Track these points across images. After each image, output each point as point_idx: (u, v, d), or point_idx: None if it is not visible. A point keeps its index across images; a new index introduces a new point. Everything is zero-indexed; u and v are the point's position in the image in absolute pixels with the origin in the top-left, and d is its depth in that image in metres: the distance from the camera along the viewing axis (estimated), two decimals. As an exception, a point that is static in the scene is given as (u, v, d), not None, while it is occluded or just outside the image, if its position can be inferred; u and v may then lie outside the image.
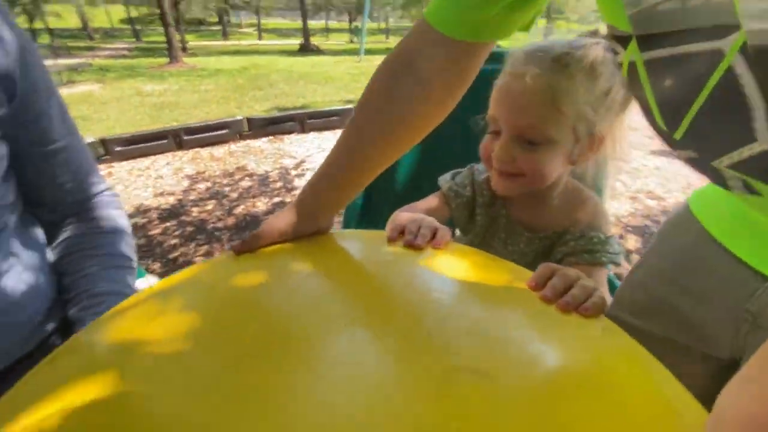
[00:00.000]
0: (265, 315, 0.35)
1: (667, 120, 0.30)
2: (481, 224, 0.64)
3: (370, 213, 0.97)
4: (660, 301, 0.43)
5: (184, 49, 11.80)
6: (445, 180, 0.67)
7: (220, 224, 2.34)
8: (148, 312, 0.36)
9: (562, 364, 0.30)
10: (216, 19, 33.64)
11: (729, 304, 0.37)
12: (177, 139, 3.48)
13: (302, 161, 3.38)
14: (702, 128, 0.28)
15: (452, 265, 0.41)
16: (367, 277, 0.41)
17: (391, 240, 0.45)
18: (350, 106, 4.72)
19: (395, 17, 30.08)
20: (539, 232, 0.60)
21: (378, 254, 0.44)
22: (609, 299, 0.49)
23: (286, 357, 0.30)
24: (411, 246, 0.44)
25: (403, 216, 0.50)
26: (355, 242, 0.48)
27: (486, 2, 0.37)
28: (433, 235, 0.45)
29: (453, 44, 0.39)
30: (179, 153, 3.47)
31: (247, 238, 0.44)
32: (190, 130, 3.56)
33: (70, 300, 0.58)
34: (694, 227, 0.41)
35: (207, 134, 3.64)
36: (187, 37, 17.82)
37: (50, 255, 0.60)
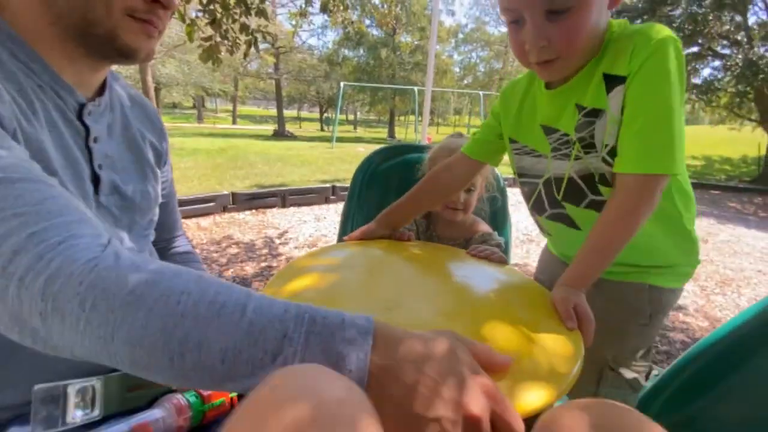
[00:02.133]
0: (374, 265, 0.70)
1: (528, 200, 0.77)
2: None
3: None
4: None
5: (161, 130, 12.32)
6: None
7: (211, 286, 2.50)
8: (322, 263, 0.68)
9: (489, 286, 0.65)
10: (191, 104, 35.47)
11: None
12: (165, 209, 3.69)
13: (285, 231, 3.66)
14: (534, 206, 0.75)
15: (425, 248, 0.82)
16: (402, 252, 0.79)
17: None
18: (327, 185, 5.19)
19: (362, 111, 33.17)
20: (454, 241, 1.00)
21: (391, 243, 0.84)
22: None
23: (380, 275, 0.62)
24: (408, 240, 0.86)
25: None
26: (383, 241, 0.85)
27: (488, 139, 0.82)
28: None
29: (472, 162, 0.83)
30: (166, 223, 3.66)
31: (352, 234, 0.83)
32: (179, 203, 3.79)
33: None
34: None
35: (194, 206, 3.88)
36: (162, 118, 18.60)
37: None
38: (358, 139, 17.65)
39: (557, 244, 0.86)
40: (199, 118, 27.14)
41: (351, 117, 41.43)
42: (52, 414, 0.46)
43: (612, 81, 0.57)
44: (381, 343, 0.34)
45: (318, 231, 3.73)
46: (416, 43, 21.04)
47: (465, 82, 28.80)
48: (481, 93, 14.24)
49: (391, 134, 21.81)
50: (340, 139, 14.82)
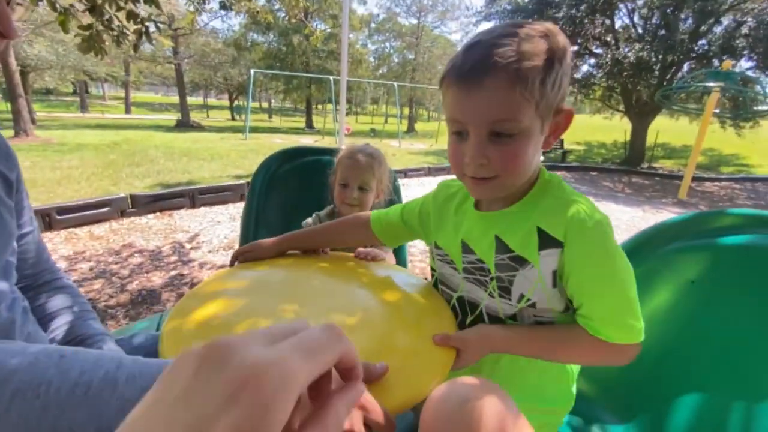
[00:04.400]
0: (271, 282, 0.72)
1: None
2: None
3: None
4: None
5: (32, 122, 10.48)
6: (307, 223, 1.15)
7: (112, 302, 2.27)
8: (221, 291, 0.67)
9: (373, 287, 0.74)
10: (70, 90, 30.45)
11: None
12: (47, 219, 3.21)
13: (196, 234, 3.43)
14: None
15: (327, 260, 0.86)
16: (305, 269, 0.81)
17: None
18: (241, 181, 4.94)
19: (277, 99, 31.75)
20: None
21: (296, 258, 0.86)
22: (392, 259, 1.03)
23: (286, 300, 0.64)
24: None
25: None
26: (293, 255, 0.87)
27: (398, 224, 0.82)
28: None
29: (370, 229, 0.85)
30: (49, 234, 3.19)
31: (240, 251, 0.83)
32: (64, 210, 3.32)
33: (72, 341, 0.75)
34: None
35: (84, 213, 3.43)
36: (34, 107, 15.75)
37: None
38: (274, 130, 16.90)
39: None
40: (83, 107, 23.52)
41: (265, 105, 39.36)
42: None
43: (546, 239, 0.57)
44: None
45: (234, 232, 3.57)
46: (329, 30, 20.67)
47: (380, 72, 29.14)
48: (395, 84, 14.56)
49: (309, 124, 21.28)
50: (254, 129, 14.05)
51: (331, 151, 1.41)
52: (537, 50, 0.51)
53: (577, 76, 12.17)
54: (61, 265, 2.69)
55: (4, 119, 10.16)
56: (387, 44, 29.82)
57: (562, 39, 0.53)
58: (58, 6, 1.64)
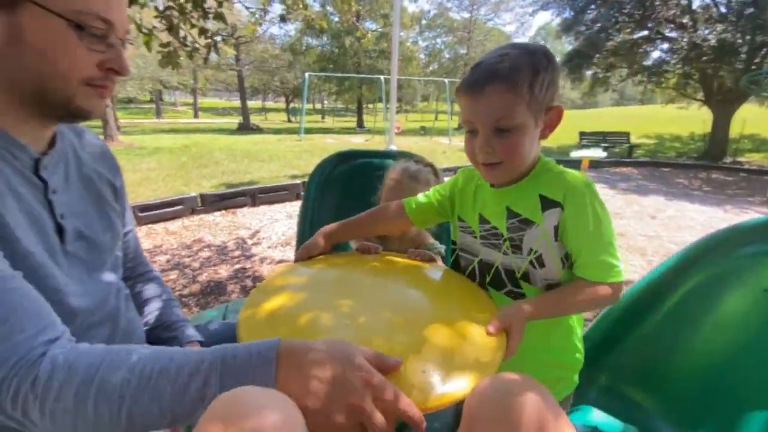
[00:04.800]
0: (328, 279, 0.78)
1: (463, 273, 0.88)
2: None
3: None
4: None
5: (117, 128, 11.76)
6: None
7: (185, 291, 2.52)
8: (284, 287, 0.74)
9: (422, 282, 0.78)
10: (147, 98, 33.68)
11: None
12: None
13: (257, 231, 3.68)
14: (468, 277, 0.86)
15: (381, 260, 0.91)
16: (360, 267, 0.87)
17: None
18: (297, 181, 5.19)
19: (330, 100, 32.68)
20: (405, 246, 1.08)
21: (352, 257, 0.92)
22: (440, 263, 1.04)
23: (344, 295, 0.70)
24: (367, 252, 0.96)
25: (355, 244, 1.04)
26: (347, 255, 0.92)
27: (431, 203, 0.92)
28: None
29: (405, 215, 0.93)
30: (133, 229, 3.60)
31: (298, 253, 0.90)
32: (145, 208, 3.73)
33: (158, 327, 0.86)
34: None
35: (161, 211, 3.82)
36: (118, 114, 17.66)
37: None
38: (327, 130, 17.46)
39: None
40: (158, 113, 25.93)
41: (318, 106, 40.71)
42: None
43: (548, 202, 0.72)
44: (284, 363, 0.45)
45: (291, 229, 3.77)
46: (380, 30, 20.87)
47: (431, 68, 28.88)
48: (446, 80, 14.38)
49: (360, 123, 21.68)
50: (308, 130, 14.62)
51: (383, 154, 1.46)
52: (524, 64, 0.66)
53: (647, 63, 11.19)
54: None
55: (95, 126, 11.52)
56: (438, 40, 29.48)
57: (546, 55, 0.69)
58: (143, 28, 1.87)
